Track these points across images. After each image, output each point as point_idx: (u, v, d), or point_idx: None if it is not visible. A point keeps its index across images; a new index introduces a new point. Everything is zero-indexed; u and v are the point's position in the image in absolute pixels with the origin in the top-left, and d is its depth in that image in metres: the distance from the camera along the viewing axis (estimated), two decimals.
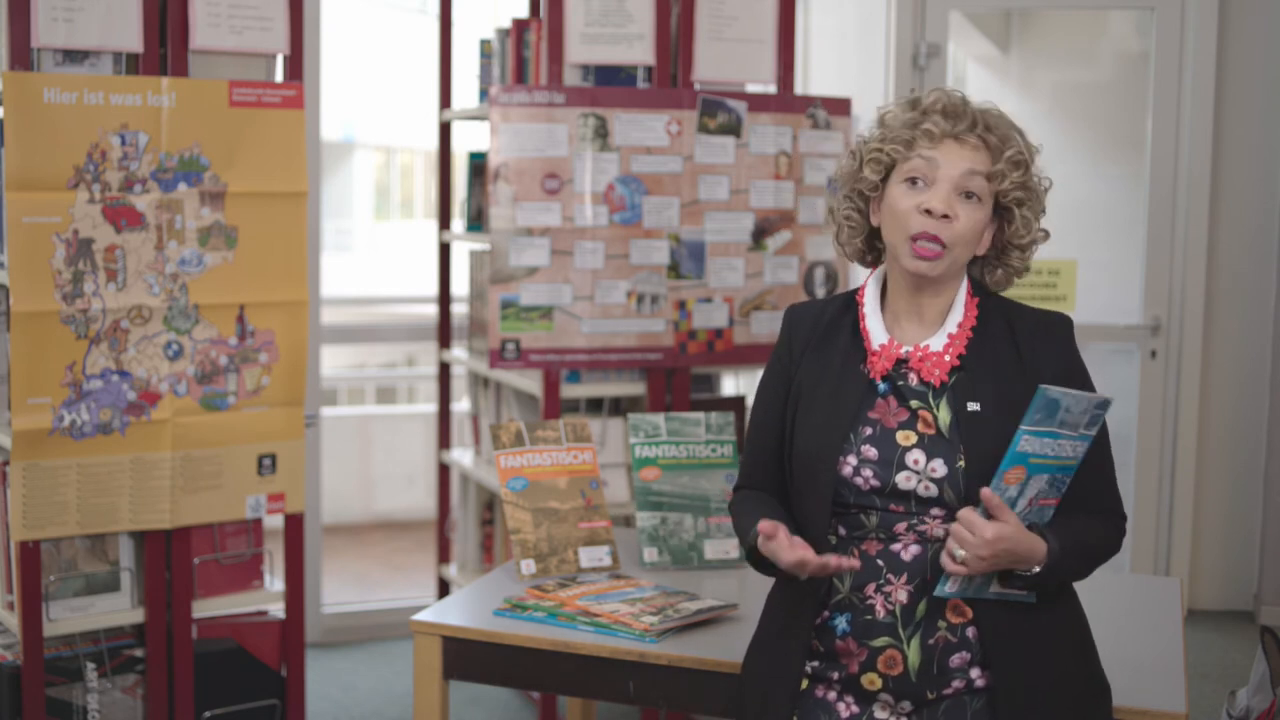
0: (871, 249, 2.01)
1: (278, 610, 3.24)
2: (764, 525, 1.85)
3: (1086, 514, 1.89)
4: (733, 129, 3.63)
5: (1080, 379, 1.92)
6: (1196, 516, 4.94)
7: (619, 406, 3.87)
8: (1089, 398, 1.75)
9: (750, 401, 4.01)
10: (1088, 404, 1.76)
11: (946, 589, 1.80)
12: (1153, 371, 4.91)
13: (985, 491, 1.75)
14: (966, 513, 1.77)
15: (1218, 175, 4.84)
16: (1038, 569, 1.80)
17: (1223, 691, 3.48)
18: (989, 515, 1.77)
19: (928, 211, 1.85)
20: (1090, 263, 4.82)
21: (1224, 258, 4.88)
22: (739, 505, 2.06)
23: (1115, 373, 4.98)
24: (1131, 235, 5.00)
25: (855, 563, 1.84)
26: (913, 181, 1.88)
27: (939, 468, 1.85)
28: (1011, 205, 1.90)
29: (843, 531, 1.90)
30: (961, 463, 1.84)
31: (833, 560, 1.81)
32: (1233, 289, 4.89)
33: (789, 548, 1.83)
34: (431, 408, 5.59)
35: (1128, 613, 2.43)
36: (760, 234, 3.69)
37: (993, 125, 1.89)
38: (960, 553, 1.76)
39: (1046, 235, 1.97)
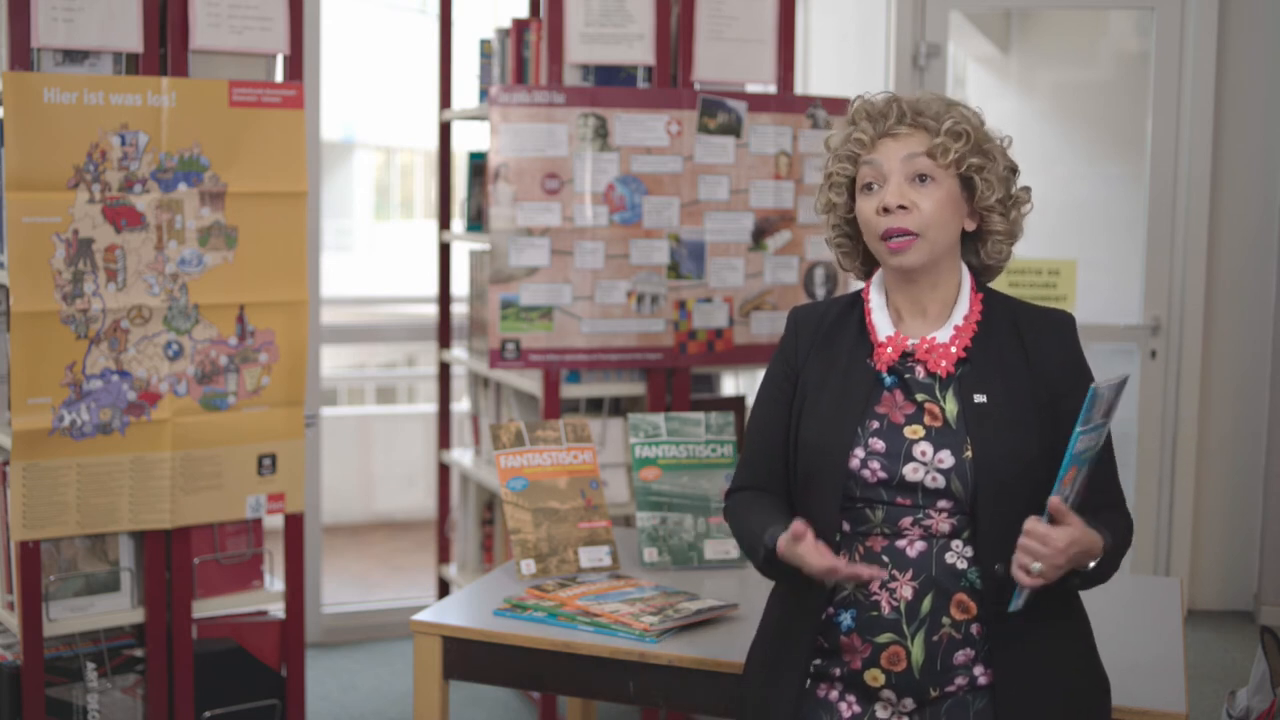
0: (870, 262, 2.04)
1: (278, 610, 3.24)
2: (797, 526, 1.83)
3: (1101, 509, 1.89)
4: (733, 129, 3.63)
5: (1084, 375, 1.93)
6: (1196, 516, 4.94)
7: (619, 406, 3.87)
8: (1115, 383, 1.77)
9: (751, 401, 4.01)
10: (1114, 390, 1.77)
11: (1019, 603, 1.78)
12: (1153, 371, 4.91)
13: (1054, 501, 1.72)
14: (1034, 524, 1.74)
15: (1218, 175, 4.84)
16: (1093, 564, 1.81)
17: (1223, 691, 3.48)
18: (1052, 522, 1.74)
19: (885, 210, 1.88)
20: (1090, 263, 4.82)
21: (1224, 258, 4.88)
22: (740, 508, 2.04)
23: (1115, 373, 4.97)
24: (1131, 235, 5.00)
25: (882, 572, 1.84)
26: (869, 188, 1.92)
27: (946, 458, 1.85)
28: (970, 174, 1.91)
29: (847, 527, 1.90)
30: (969, 454, 1.85)
31: (864, 571, 1.81)
32: (1233, 289, 4.89)
33: (816, 552, 1.82)
34: (431, 408, 5.60)
35: (1128, 613, 2.43)
36: (760, 234, 3.69)
37: (922, 109, 1.91)
38: (1036, 566, 1.73)
39: (1028, 191, 1.97)
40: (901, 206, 1.88)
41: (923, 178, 1.89)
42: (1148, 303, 4.90)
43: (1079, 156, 5.35)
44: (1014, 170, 1.96)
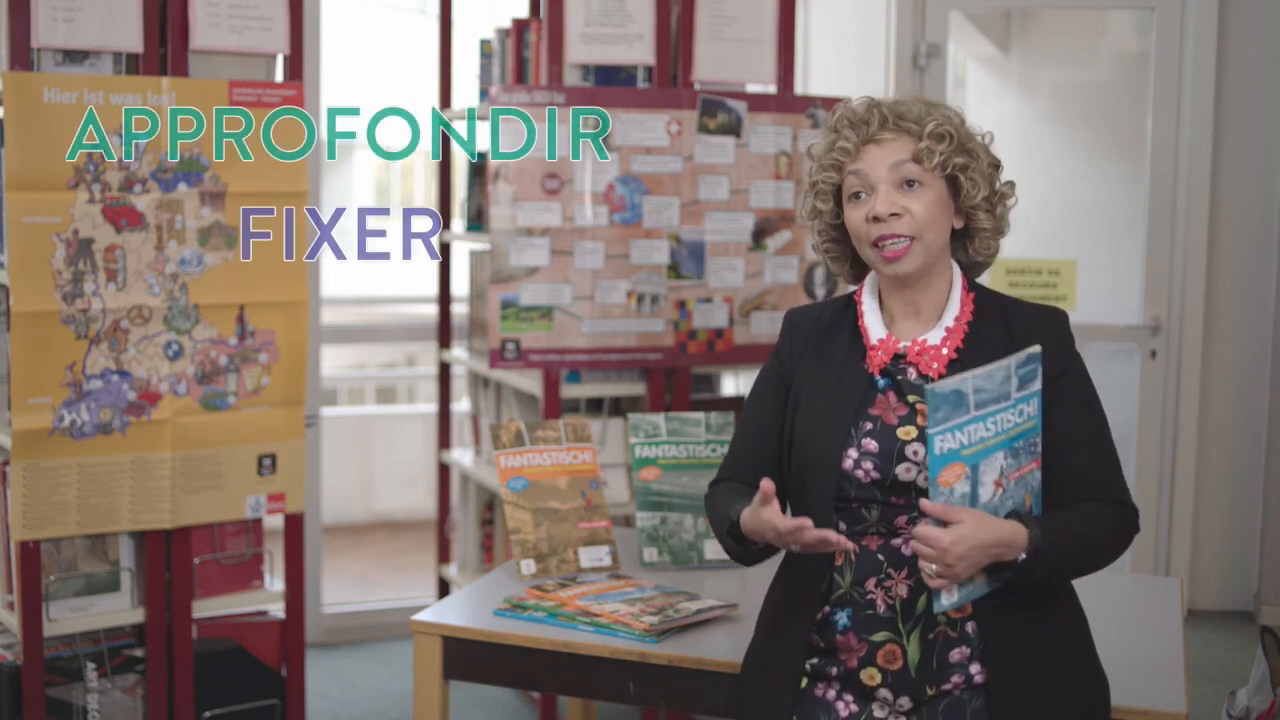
0: (859, 265, 2.04)
1: (278, 610, 3.24)
2: (766, 484, 1.82)
3: (1086, 502, 1.88)
4: (733, 129, 3.63)
5: (1077, 372, 1.93)
6: (1196, 516, 4.94)
7: (619, 406, 3.87)
8: (1006, 364, 1.75)
9: None
10: (1007, 371, 1.75)
11: (943, 603, 1.77)
12: (1153, 371, 4.91)
13: (924, 504, 1.73)
14: (919, 528, 1.74)
15: (1218, 175, 4.84)
16: (1023, 556, 1.78)
17: (1223, 691, 3.48)
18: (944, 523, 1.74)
19: (876, 219, 1.89)
20: (1090, 263, 4.82)
21: (1224, 258, 4.87)
22: (717, 496, 2.07)
23: (1115, 373, 4.98)
24: (1131, 235, 5.00)
25: (853, 546, 1.84)
26: (856, 196, 1.93)
27: None
28: (955, 173, 1.92)
29: (843, 526, 1.91)
30: None
31: (832, 535, 1.80)
32: (1233, 289, 4.89)
33: (782, 515, 1.82)
34: (431, 408, 5.59)
35: (1128, 613, 2.43)
36: (760, 234, 3.69)
37: (903, 113, 1.92)
38: (931, 568, 1.74)
39: (1013, 186, 1.98)
40: (894, 214, 1.88)
41: (910, 183, 1.90)
42: (1148, 303, 4.90)
43: (1079, 156, 5.35)
44: (997, 166, 1.97)
